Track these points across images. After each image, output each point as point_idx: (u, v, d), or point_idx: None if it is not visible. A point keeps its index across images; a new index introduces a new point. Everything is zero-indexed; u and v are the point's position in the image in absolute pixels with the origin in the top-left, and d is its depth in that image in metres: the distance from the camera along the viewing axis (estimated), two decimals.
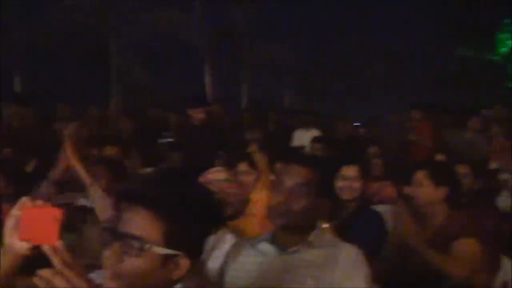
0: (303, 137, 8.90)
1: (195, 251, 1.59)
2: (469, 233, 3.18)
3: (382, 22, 24.54)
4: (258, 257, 2.33)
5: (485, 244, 3.18)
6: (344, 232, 3.29)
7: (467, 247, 3.14)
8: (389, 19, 23.99)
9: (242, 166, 4.11)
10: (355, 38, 24.07)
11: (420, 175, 3.39)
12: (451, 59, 24.02)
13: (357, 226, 3.58)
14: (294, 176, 2.27)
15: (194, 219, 1.58)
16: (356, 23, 24.51)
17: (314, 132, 8.90)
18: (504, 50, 23.12)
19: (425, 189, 3.35)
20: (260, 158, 4.23)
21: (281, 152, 6.12)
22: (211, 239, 2.72)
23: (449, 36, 23.33)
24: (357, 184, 3.81)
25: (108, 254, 1.48)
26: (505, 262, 3.54)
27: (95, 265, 1.63)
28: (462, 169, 4.89)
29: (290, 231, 2.29)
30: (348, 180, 3.79)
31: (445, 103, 15.25)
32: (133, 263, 1.46)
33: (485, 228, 3.39)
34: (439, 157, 5.76)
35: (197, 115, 6.80)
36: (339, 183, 3.75)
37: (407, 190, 3.42)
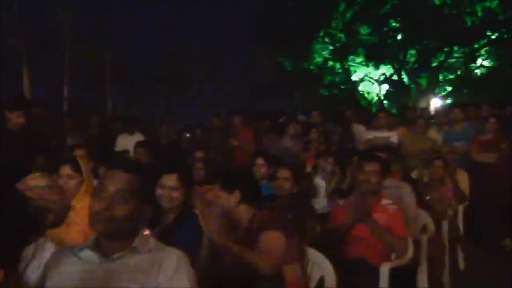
0: (126, 142, 8.79)
1: (9, 262, 1.52)
2: (272, 227, 3.31)
3: (205, 30, 25.06)
4: (80, 265, 2.27)
5: (288, 235, 3.35)
6: (168, 237, 3.31)
7: (271, 238, 3.27)
8: (212, 27, 24.57)
9: (65, 170, 3.96)
10: (178, 44, 24.26)
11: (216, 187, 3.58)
12: (270, 67, 25.03)
13: (181, 230, 3.61)
14: (116, 182, 2.25)
15: (8, 228, 1.51)
16: (180, 29, 24.77)
17: (138, 137, 8.83)
18: (319, 60, 24.52)
19: (221, 200, 3.50)
20: (83, 163, 4.10)
21: (103, 157, 6.00)
22: (30, 248, 2.60)
23: (267, 45, 24.29)
24: (176, 193, 3.81)
25: None
26: (322, 260, 3.78)
27: None
28: (283, 174, 5.12)
29: (113, 237, 2.26)
30: (167, 189, 3.80)
31: (264, 109, 15.84)
32: None
33: (287, 221, 3.58)
34: (259, 161, 5.96)
35: (16, 118, 6.41)
36: (159, 191, 3.75)
37: (210, 196, 3.57)
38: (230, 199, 3.50)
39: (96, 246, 2.29)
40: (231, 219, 3.49)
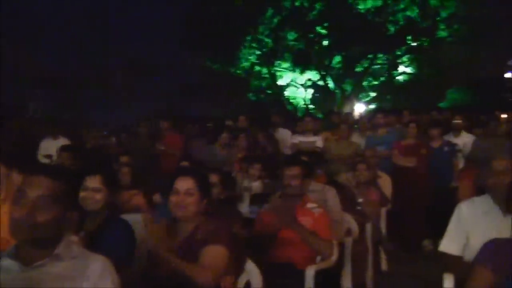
0: (50, 146, 8.57)
1: None
2: (217, 240, 3.28)
3: (129, 33, 24.76)
4: None
5: (231, 249, 3.34)
6: (93, 243, 3.24)
7: (214, 253, 3.23)
8: (137, 30, 24.29)
9: None
10: (101, 48, 23.86)
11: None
12: (197, 71, 24.96)
13: (106, 236, 3.54)
14: (38, 188, 2.18)
15: None
16: (103, 33, 24.38)
17: (62, 141, 8.62)
18: (246, 65, 24.64)
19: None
20: (3, 169, 3.95)
21: (25, 162, 5.81)
22: None
23: (195, 49, 24.19)
24: (99, 195, 3.72)
25: None
26: (248, 264, 3.79)
27: None
28: (210, 179, 5.10)
29: (35, 244, 2.20)
30: (90, 190, 3.71)
31: (191, 114, 15.80)
32: None
33: (231, 235, 3.55)
34: (184, 164, 5.94)
35: None
36: (82, 194, 3.66)
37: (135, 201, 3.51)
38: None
39: (16, 254, 2.21)
40: (172, 227, 3.45)
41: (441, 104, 22.27)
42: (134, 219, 3.91)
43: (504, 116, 11.71)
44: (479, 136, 9.11)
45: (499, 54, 25.04)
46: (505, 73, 31.33)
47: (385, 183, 7.63)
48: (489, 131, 9.29)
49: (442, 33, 23.56)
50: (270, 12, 23.83)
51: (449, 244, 3.63)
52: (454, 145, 8.73)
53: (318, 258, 4.45)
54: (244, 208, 6.08)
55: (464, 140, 8.97)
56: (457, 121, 9.28)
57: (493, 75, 26.11)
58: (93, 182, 3.74)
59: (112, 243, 3.31)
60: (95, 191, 3.71)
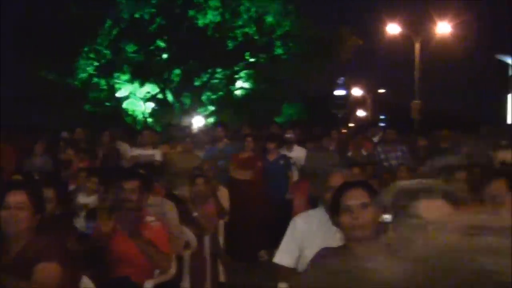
0: None
1: None
2: (49, 257, 3.18)
3: None
4: None
5: (65, 266, 3.22)
6: None
7: (47, 271, 3.13)
8: None
9: None
10: None
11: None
12: (34, 81, 23.78)
13: None
14: None
15: None
16: None
17: None
18: (83, 76, 23.93)
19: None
20: None
21: None
22: None
23: (32, 59, 23.07)
24: None
25: None
26: (85, 280, 3.69)
27: None
28: (47, 194, 4.87)
29: None
30: None
31: (24, 125, 15.06)
32: None
33: (65, 251, 3.44)
34: (16, 177, 5.66)
35: None
36: None
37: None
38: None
39: None
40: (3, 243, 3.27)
41: (278, 119, 23.18)
42: None
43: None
44: (311, 150, 9.58)
45: (330, 72, 26.64)
46: (335, 90, 33.41)
47: (223, 195, 7.77)
48: (322, 145, 9.82)
49: (279, 50, 24.56)
50: (108, 23, 23.38)
51: (282, 256, 3.79)
52: (289, 158, 9.12)
53: (157, 271, 4.43)
54: (80, 223, 5.90)
55: (297, 153, 9.40)
56: (289, 135, 9.71)
57: (324, 92, 27.68)
58: None
59: None
60: None
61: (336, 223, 2.90)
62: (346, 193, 2.86)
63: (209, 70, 24.33)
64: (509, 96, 30.60)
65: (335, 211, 2.86)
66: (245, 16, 24.12)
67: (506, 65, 30.74)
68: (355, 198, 2.81)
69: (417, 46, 23.49)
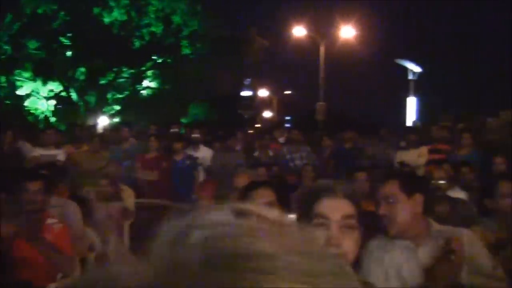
0: None
1: None
2: None
3: None
4: None
5: None
6: None
7: None
8: None
9: None
10: None
11: None
12: None
13: None
14: None
15: None
16: None
17: None
18: None
19: None
20: None
21: None
22: None
23: None
24: None
25: None
26: None
27: None
28: None
29: None
30: None
31: None
32: None
33: None
34: None
35: None
36: None
37: None
38: None
39: None
40: None
41: (184, 119, 23.10)
42: None
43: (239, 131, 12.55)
44: (217, 150, 9.67)
45: (237, 73, 26.83)
46: (241, 91, 33.68)
47: (128, 196, 7.70)
48: (228, 146, 9.91)
49: (186, 50, 24.50)
50: (9, 17, 22.50)
51: None
52: (195, 158, 9.15)
53: (59, 275, 4.35)
54: None
55: (203, 154, 9.45)
56: (196, 135, 9.75)
57: (231, 92, 27.86)
58: None
59: None
60: None
61: None
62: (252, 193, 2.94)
63: (115, 69, 23.94)
64: (408, 99, 32.00)
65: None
66: (152, 15, 23.91)
67: (406, 69, 32.11)
68: (260, 198, 2.89)
69: (322, 49, 24.07)
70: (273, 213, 0.59)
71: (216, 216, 0.61)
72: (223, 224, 0.54)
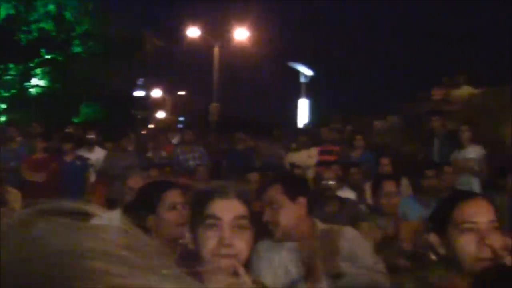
0: None
1: None
2: None
3: None
4: None
5: None
6: None
7: None
8: None
9: None
10: None
11: None
12: None
13: None
14: None
15: None
16: None
17: None
18: None
19: None
20: None
21: None
22: None
23: None
24: None
25: None
26: None
27: None
28: None
29: None
30: None
31: None
32: None
33: None
34: None
35: None
36: None
37: None
38: None
39: None
40: None
41: (75, 119, 22.46)
42: None
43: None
44: (110, 151, 9.48)
45: (130, 73, 26.41)
46: (135, 91, 33.19)
47: (14, 198, 7.41)
48: (120, 146, 9.73)
49: (77, 49, 23.84)
50: None
51: None
52: (87, 159, 8.93)
53: None
54: None
55: (98, 155, 9.24)
56: (91, 136, 9.53)
57: (123, 92, 27.39)
58: None
59: None
60: None
61: None
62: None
63: (1, 66, 22.90)
64: (299, 101, 32.83)
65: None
66: (41, 11, 23.08)
67: (298, 72, 32.93)
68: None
69: (216, 50, 24.18)
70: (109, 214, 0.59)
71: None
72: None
